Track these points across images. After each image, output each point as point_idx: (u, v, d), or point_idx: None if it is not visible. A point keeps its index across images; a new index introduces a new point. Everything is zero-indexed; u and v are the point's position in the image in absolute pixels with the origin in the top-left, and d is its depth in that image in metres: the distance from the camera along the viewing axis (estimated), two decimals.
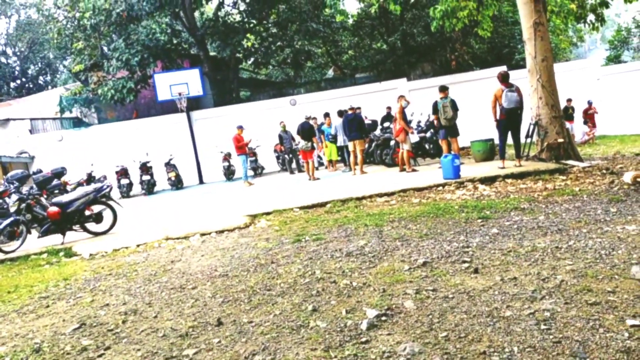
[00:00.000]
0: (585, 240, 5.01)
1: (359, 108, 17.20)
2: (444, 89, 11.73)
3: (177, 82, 18.67)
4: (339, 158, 16.10)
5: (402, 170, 12.29)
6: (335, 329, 3.61)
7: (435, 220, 6.77)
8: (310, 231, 7.07)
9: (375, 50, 27.90)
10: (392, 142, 13.87)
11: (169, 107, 20.13)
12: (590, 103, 19.95)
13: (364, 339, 3.39)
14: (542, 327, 3.24)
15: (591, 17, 14.24)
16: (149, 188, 17.98)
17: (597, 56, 37.24)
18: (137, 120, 21.01)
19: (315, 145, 14.31)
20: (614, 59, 34.24)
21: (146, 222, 10.44)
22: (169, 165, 18.42)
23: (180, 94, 18.54)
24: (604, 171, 9.21)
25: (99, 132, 20.14)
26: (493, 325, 3.35)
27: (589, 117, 19.84)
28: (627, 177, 7.84)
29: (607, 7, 14.02)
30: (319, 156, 17.02)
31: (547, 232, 5.46)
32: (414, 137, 13.57)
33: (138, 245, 7.86)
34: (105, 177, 17.04)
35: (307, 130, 13.92)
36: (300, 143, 13.98)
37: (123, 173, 18.09)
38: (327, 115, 15.64)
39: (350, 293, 4.31)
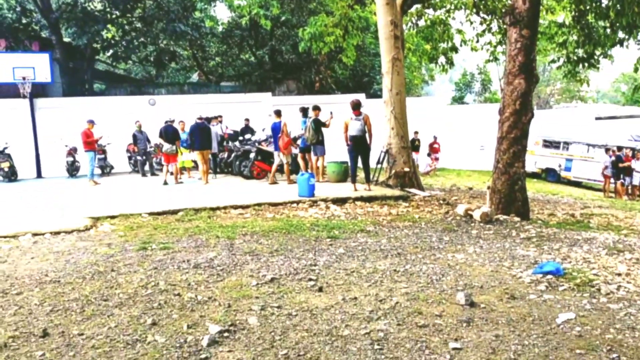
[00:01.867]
0: (420, 265, 5.42)
1: (220, 116, 17.00)
2: (316, 109, 12.16)
3: (22, 65, 16.87)
4: (193, 165, 15.71)
5: (291, 182, 12.36)
6: (174, 345, 3.48)
7: (286, 236, 6.88)
8: (158, 239, 6.78)
9: (242, 61, 27.86)
10: (252, 155, 13.90)
11: (10, 91, 18.06)
12: (435, 137, 21.84)
13: (203, 356, 3.31)
14: (376, 347, 3.43)
15: (442, 59, 15.72)
16: None
17: (444, 95, 40.99)
18: None
19: (178, 149, 13.82)
20: (459, 100, 38.02)
21: None
22: (3, 155, 16.50)
23: (24, 78, 16.78)
24: (441, 201, 10.10)
25: None
26: (331, 344, 3.47)
27: (433, 150, 21.73)
28: (460, 209, 8.67)
29: (457, 52, 15.59)
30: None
31: (388, 255, 5.83)
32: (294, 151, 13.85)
33: None
34: None
35: (170, 134, 13.42)
36: (165, 146, 13.44)
37: None
38: (181, 121, 15.28)
39: (194, 307, 4.20)
